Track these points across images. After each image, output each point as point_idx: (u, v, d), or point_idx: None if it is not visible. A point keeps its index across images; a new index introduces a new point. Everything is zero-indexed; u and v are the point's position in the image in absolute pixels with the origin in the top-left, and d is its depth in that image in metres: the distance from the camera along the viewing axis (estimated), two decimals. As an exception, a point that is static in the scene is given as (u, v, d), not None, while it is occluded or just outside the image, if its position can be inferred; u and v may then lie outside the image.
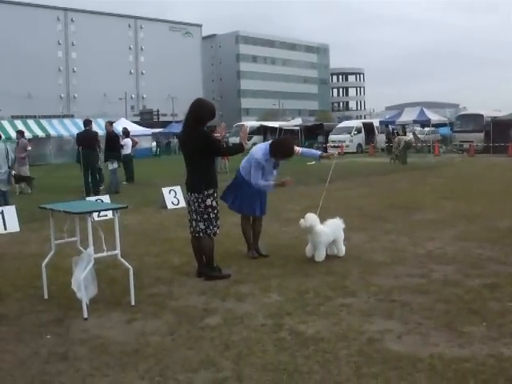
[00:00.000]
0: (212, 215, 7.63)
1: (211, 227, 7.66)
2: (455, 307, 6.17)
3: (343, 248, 8.73)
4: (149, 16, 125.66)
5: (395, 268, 7.95)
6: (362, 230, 10.73)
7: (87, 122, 19.46)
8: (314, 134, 54.14)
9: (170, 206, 15.17)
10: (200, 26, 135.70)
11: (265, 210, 8.99)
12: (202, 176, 7.59)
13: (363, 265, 8.15)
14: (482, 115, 46.52)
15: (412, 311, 6.09)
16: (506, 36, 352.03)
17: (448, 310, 6.09)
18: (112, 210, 7.14)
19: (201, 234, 7.70)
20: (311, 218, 8.40)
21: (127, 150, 23.44)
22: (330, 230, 8.50)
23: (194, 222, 7.73)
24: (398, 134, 39.45)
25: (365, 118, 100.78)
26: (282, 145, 8.73)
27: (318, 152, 9.65)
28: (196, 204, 7.63)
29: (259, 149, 8.69)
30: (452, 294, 6.66)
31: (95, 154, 19.32)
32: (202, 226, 7.66)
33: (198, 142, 7.53)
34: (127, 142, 23.91)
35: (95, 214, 7.27)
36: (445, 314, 5.97)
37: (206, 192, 7.56)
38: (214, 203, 7.64)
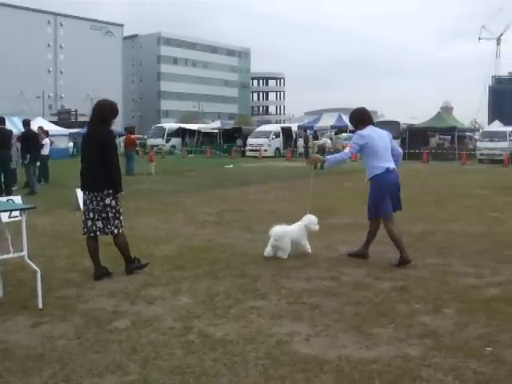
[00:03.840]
0: (110, 214, 7.64)
1: (109, 226, 7.66)
2: (364, 310, 6.25)
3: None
4: (69, 13, 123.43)
5: (307, 271, 8.00)
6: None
7: (0, 121, 18.86)
8: (233, 137, 54.33)
9: (83, 207, 14.83)
10: (121, 25, 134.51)
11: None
12: (103, 175, 7.59)
13: (276, 268, 8.16)
14: (398, 122, 47.72)
15: (321, 314, 6.12)
16: (421, 49, 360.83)
17: (357, 312, 6.16)
18: (19, 210, 6.94)
19: (97, 233, 7.70)
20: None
21: (46, 150, 22.99)
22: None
23: (89, 222, 7.70)
24: (314, 139, 39.95)
25: (284, 123, 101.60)
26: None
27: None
28: (94, 202, 7.64)
29: None
30: (362, 296, 6.75)
31: (8, 154, 18.76)
32: (99, 224, 7.66)
33: (100, 141, 7.58)
34: (47, 141, 23.47)
35: (4, 215, 7.06)
36: (354, 316, 6.03)
37: (105, 191, 7.59)
38: (114, 202, 7.67)
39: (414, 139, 44.62)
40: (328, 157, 9.15)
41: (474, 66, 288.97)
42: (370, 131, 8.54)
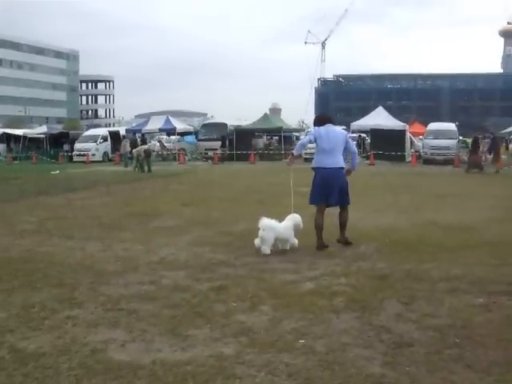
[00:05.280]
0: None
1: None
2: (182, 312, 6.26)
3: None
4: None
5: (126, 276, 7.89)
6: (97, 240, 10.56)
7: None
8: (60, 142, 52.77)
9: None
10: None
11: None
12: None
13: (95, 275, 7.99)
14: (225, 124, 48.35)
15: (138, 319, 6.08)
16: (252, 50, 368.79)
17: (174, 315, 6.16)
18: None
19: None
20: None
21: None
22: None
23: None
24: (142, 142, 39.64)
25: (113, 126, 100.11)
26: None
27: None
28: None
29: None
30: (180, 298, 6.76)
31: None
32: None
33: None
34: None
35: None
36: (171, 319, 6.04)
37: None
38: None
39: (241, 140, 45.34)
40: (294, 151, 10.76)
41: (302, 68, 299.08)
42: (321, 129, 9.98)
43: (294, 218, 9.65)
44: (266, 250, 9.21)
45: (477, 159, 31.47)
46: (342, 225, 9.95)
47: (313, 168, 10.06)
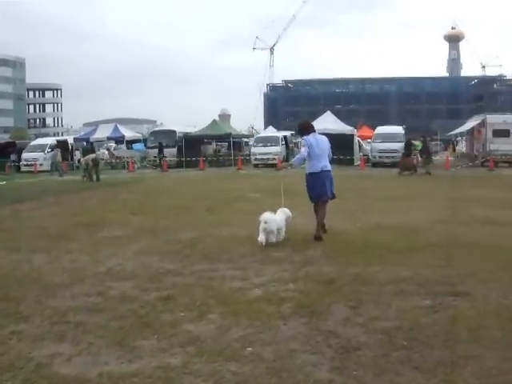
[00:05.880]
0: None
1: None
2: (129, 323, 6.20)
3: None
4: None
5: (73, 288, 7.77)
6: (45, 251, 10.38)
7: None
8: (7, 152, 51.87)
9: None
10: None
11: None
12: None
13: (41, 288, 7.84)
14: (174, 131, 48.27)
15: (85, 331, 5.99)
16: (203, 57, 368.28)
17: (122, 326, 6.10)
18: None
19: None
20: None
21: None
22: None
23: None
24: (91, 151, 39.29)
25: (62, 135, 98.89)
26: None
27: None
28: None
29: None
30: (127, 309, 6.70)
31: None
32: None
33: None
34: None
35: None
36: (118, 330, 5.98)
37: None
38: None
39: (190, 147, 45.30)
40: (292, 161, 12.42)
41: (251, 74, 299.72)
42: (311, 138, 11.29)
43: (285, 212, 10.94)
44: (273, 239, 10.39)
45: (408, 162, 32.64)
46: (320, 225, 11.17)
47: (306, 173, 11.42)
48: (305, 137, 11.42)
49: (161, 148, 45.21)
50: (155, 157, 44.95)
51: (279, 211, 10.82)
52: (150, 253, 9.91)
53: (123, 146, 49.75)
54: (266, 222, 10.28)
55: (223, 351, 5.31)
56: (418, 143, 35.65)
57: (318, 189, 11.21)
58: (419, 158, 33.91)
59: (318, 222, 11.11)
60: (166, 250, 10.15)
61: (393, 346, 5.39)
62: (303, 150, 11.21)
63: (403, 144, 35.30)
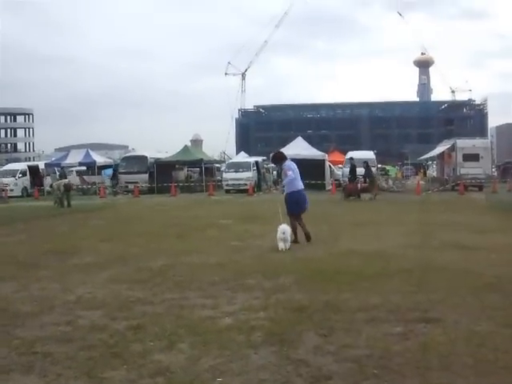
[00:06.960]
0: None
1: None
2: (98, 353, 6.12)
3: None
4: None
5: (42, 317, 7.66)
6: (13, 279, 10.26)
7: None
8: (-23, 178, 51.32)
9: None
10: None
11: None
12: None
13: (9, 317, 7.72)
14: (146, 156, 48.13)
15: (53, 362, 5.89)
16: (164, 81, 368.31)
17: (91, 356, 6.01)
18: None
19: None
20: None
21: None
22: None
23: None
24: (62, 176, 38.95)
25: (34, 160, 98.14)
26: None
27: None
28: None
29: None
30: (97, 339, 6.60)
31: None
32: None
33: None
34: None
35: None
36: (87, 360, 5.89)
37: None
38: None
39: (162, 173, 45.21)
40: (284, 182, 14.65)
41: (223, 99, 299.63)
42: (290, 164, 14.45)
43: (286, 227, 13.03)
44: (288, 245, 12.86)
45: (352, 187, 33.55)
46: (306, 232, 14.08)
47: (287, 193, 14.34)
48: (286, 163, 14.50)
49: (114, 174, 45.14)
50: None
51: (283, 225, 12.98)
52: (120, 281, 9.82)
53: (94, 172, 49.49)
54: (283, 233, 12.67)
55: (193, 382, 5.26)
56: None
57: (301, 203, 14.23)
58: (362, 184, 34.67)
59: (302, 226, 14.10)
60: (136, 278, 10.05)
61: (363, 375, 5.37)
62: (290, 174, 14.08)
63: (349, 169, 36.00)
